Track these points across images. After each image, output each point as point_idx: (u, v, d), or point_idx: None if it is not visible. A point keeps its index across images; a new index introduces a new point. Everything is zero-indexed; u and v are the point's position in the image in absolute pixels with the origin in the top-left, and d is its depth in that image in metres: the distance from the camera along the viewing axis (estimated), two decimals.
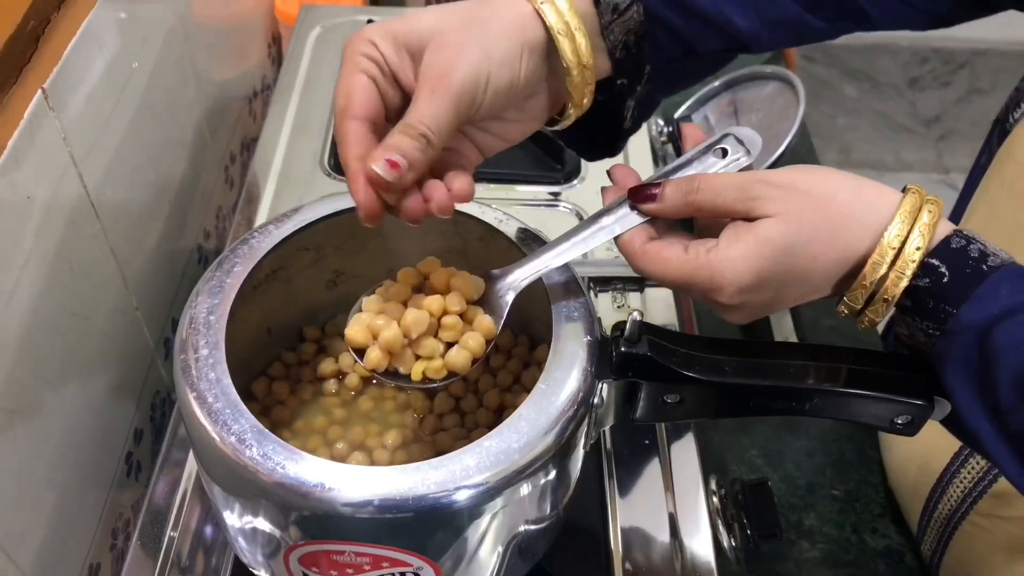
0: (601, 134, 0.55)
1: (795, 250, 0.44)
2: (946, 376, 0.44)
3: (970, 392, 0.43)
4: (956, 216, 0.69)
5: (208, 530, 0.65)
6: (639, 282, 0.79)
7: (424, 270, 0.52)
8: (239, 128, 1.03)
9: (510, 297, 0.50)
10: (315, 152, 0.90)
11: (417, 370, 0.49)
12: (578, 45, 0.47)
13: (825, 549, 0.76)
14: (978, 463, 0.65)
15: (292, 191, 0.86)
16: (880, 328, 0.49)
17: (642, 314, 0.49)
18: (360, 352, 0.49)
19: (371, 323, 0.49)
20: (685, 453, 0.68)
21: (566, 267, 0.54)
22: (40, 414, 0.60)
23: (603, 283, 0.79)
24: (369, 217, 0.45)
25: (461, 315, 0.50)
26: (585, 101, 0.50)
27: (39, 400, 0.59)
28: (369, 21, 1.02)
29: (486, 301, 0.51)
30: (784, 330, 0.84)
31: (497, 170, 0.87)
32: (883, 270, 0.43)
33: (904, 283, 0.43)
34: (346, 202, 0.58)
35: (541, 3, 0.47)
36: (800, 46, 0.56)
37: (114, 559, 0.71)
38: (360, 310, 0.50)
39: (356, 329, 0.49)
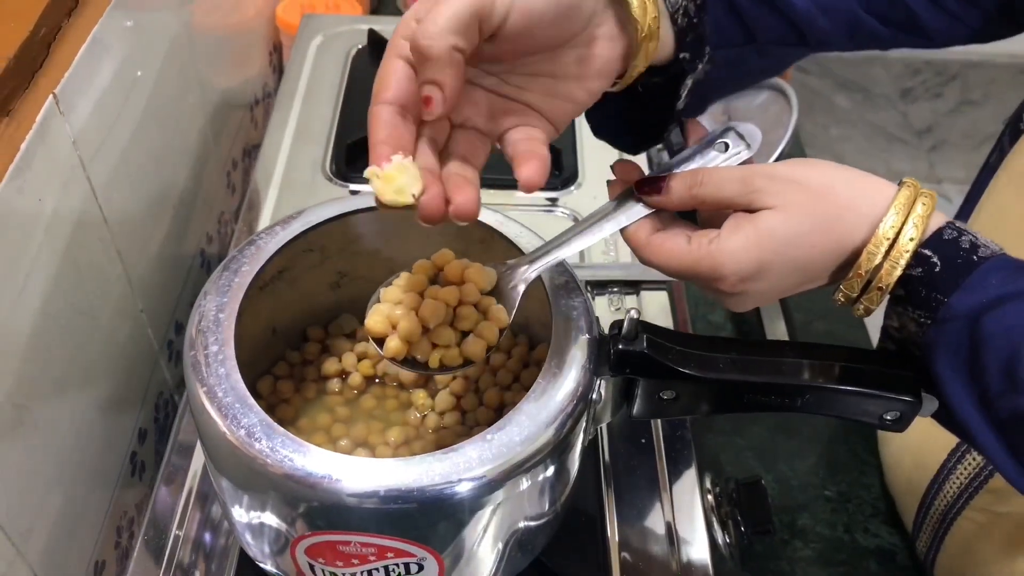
0: (650, 119, 0.55)
1: (794, 240, 0.46)
2: (936, 365, 0.45)
3: (960, 380, 0.44)
4: (960, 217, 0.70)
5: (213, 528, 0.65)
6: (635, 285, 0.80)
7: (439, 262, 0.53)
8: (241, 135, 1.04)
9: (521, 288, 0.51)
10: (316, 159, 0.92)
11: (435, 358, 0.50)
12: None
13: (818, 548, 0.78)
14: (975, 459, 0.66)
15: (294, 197, 0.88)
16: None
17: (639, 312, 0.51)
18: (380, 341, 0.50)
19: (390, 313, 0.50)
20: (681, 451, 0.69)
21: (565, 268, 0.56)
22: (48, 411, 0.61)
23: (600, 286, 0.80)
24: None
25: (475, 305, 0.51)
26: (652, 48, 0.48)
27: (48, 397, 0.61)
28: (369, 30, 1.04)
29: (498, 291, 0.52)
30: (777, 333, 0.85)
31: (495, 175, 0.88)
32: (878, 259, 0.45)
33: (898, 272, 0.44)
34: (350, 205, 0.60)
35: None
36: (861, 50, 0.57)
37: (119, 557, 0.72)
38: (379, 300, 0.52)
39: (376, 319, 0.50)
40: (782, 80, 1.02)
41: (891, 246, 0.44)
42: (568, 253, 0.51)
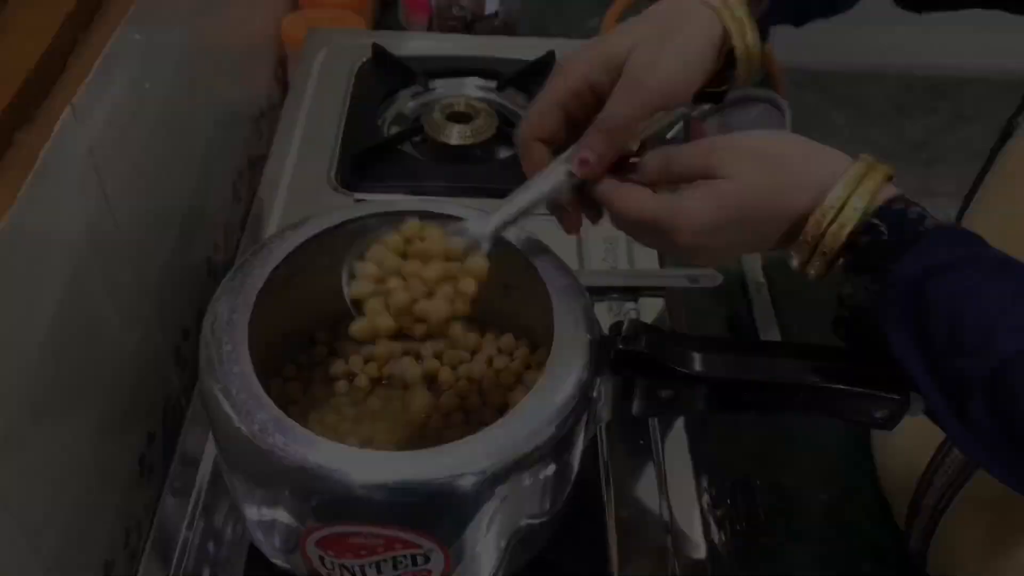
0: None
1: (747, 203, 0.49)
2: (888, 330, 0.47)
3: (908, 343, 0.46)
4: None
5: (221, 529, 0.67)
6: (634, 292, 0.82)
7: (407, 234, 0.56)
8: (247, 146, 1.06)
9: (486, 246, 0.55)
10: (322, 169, 0.93)
11: (423, 326, 0.53)
12: (748, 42, 0.55)
13: (813, 550, 0.79)
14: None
15: (300, 206, 0.89)
16: None
17: (639, 313, 0.53)
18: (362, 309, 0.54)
19: (373, 288, 0.53)
20: (678, 452, 0.71)
21: (567, 271, 0.58)
22: (62, 413, 0.62)
23: (599, 293, 0.82)
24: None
25: (449, 262, 0.54)
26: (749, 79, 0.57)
27: (62, 399, 0.62)
28: (373, 44, 1.06)
29: (469, 252, 0.55)
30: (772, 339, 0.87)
31: (498, 186, 0.90)
32: (823, 227, 0.48)
33: (842, 239, 0.47)
34: (359, 211, 0.62)
35: (720, 8, 0.54)
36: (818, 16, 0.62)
37: (127, 557, 0.73)
38: (351, 273, 0.55)
39: (359, 290, 0.54)
40: (777, 95, 1.04)
41: (836, 215, 0.47)
42: (524, 203, 0.55)
